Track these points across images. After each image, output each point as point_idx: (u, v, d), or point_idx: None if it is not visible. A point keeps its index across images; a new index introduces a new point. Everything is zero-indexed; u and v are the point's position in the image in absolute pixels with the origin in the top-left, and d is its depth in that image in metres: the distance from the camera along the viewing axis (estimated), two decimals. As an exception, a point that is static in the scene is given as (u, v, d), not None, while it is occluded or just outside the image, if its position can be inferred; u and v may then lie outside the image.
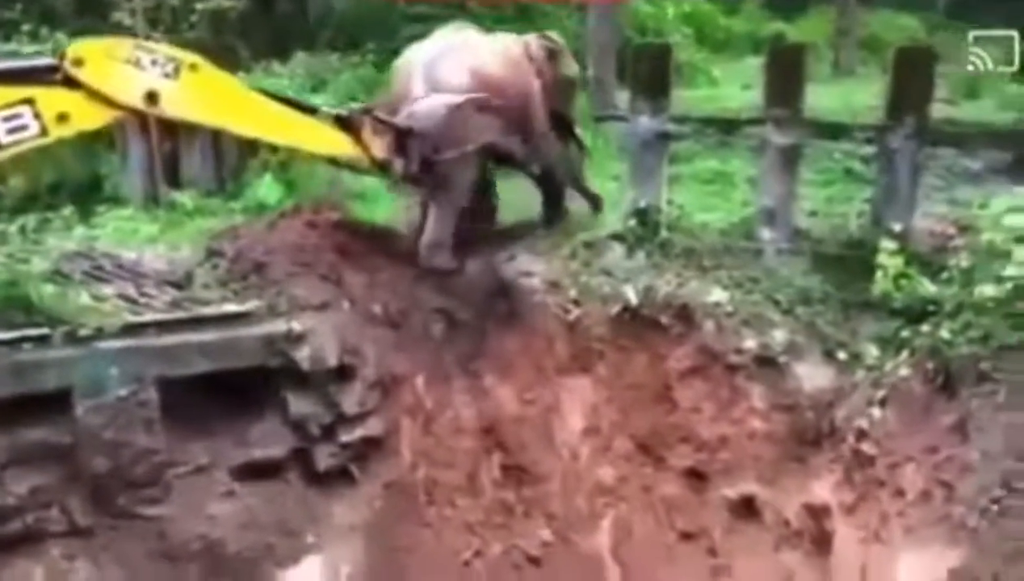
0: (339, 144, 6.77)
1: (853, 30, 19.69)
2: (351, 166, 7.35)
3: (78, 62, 5.58)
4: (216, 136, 8.96)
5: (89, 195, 8.56)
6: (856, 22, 19.92)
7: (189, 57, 5.97)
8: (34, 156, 8.74)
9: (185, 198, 8.47)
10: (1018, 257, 5.80)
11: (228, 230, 7.51)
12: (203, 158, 8.83)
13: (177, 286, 6.80)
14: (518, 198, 8.53)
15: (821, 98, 12.16)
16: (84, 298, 6.25)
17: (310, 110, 6.73)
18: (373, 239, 7.62)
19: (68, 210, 7.65)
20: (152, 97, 5.79)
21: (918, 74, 6.96)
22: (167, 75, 5.83)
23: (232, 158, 8.99)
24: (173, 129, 8.84)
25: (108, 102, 5.72)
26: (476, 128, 7.11)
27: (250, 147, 9.14)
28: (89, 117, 5.76)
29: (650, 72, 7.56)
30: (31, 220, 7.46)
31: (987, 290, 5.87)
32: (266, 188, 8.73)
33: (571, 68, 8.43)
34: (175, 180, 8.77)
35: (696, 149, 10.02)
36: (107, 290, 6.55)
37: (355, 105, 7.43)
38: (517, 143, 7.55)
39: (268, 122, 6.42)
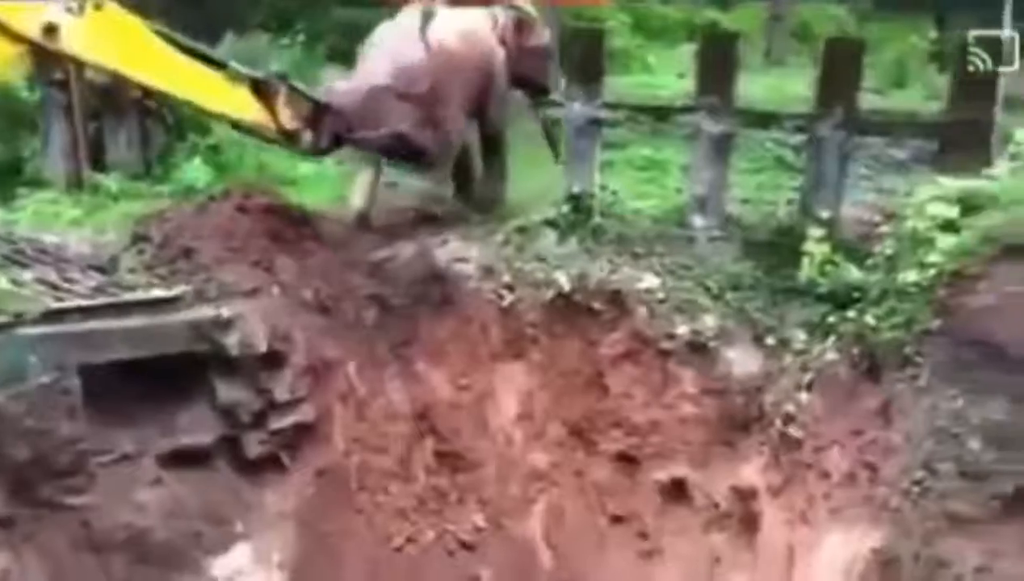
0: (246, 107, 6.59)
1: (784, 19, 20.01)
2: (254, 132, 7.16)
3: None
4: (143, 117, 8.80)
5: (10, 178, 8.33)
6: (787, 11, 20.24)
7: None
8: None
9: (110, 181, 8.29)
10: (940, 244, 5.92)
11: (155, 214, 7.33)
12: (129, 140, 8.65)
13: (102, 271, 6.65)
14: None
15: (753, 86, 12.32)
16: (2, 283, 6.06)
17: (222, 66, 6.51)
18: (305, 224, 7.51)
19: (-15, 192, 7.45)
20: (51, 30, 5.55)
21: (847, 65, 7.08)
22: (70, 10, 5.61)
23: (159, 140, 8.81)
24: (98, 110, 8.66)
25: (7, 34, 5.49)
26: (392, 114, 7.06)
27: (178, 129, 9.00)
28: None
29: (583, 58, 7.59)
30: (-54, 205, 7.25)
31: (910, 276, 5.97)
32: (195, 171, 8.58)
33: (541, 37, 8.48)
34: (100, 163, 8.56)
35: (630, 136, 10.10)
36: (27, 275, 6.35)
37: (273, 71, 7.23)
38: (430, 139, 7.43)
39: (171, 73, 6.16)
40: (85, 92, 8.40)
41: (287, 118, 6.73)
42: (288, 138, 6.89)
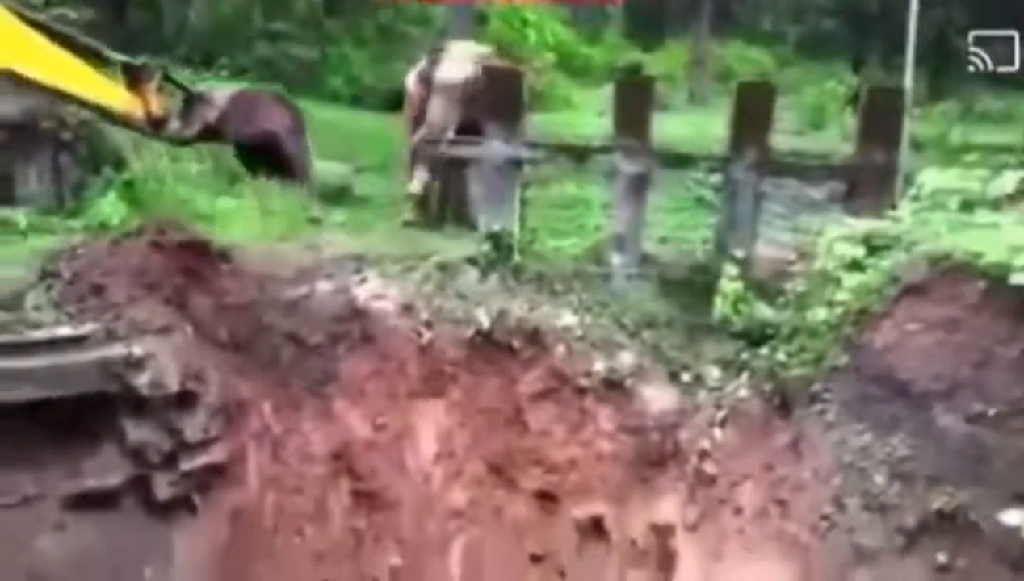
0: (114, 95, 6.53)
1: (707, 62, 20.56)
2: (121, 120, 7.06)
3: None
4: (56, 151, 8.61)
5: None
6: (709, 54, 20.81)
7: None
8: None
9: (19, 215, 8.06)
10: (847, 283, 6.08)
11: (66, 250, 7.15)
12: (40, 174, 8.44)
13: (7, 308, 6.44)
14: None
15: (676, 125, 12.57)
16: (-99, 320, 5.87)
17: (94, 53, 6.43)
18: (222, 260, 7.40)
19: None
20: None
21: (758, 108, 7.27)
22: None
23: (72, 175, 8.62)
24: (9, 143, 8.46)
25: None
26: (265, 115, 7.21)
27: (92, 163, 8.83)
28: None
29: (503, 97, 7.65)
30: None
31: (820, 314, 6.14)
32: (109, 206, 8.39)
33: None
34: (9, 197, 8.35)
35: (553, 173, 10.21)
36: (-72, 312, 6.16)
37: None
38: (298, 147, 7.87)
39: (42, 61, 6.08)
40: (-5, 125, 8.21)
41: (156, 105, 6.67)
42: (154, 125, 6.81)
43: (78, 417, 6.05)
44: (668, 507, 6.57)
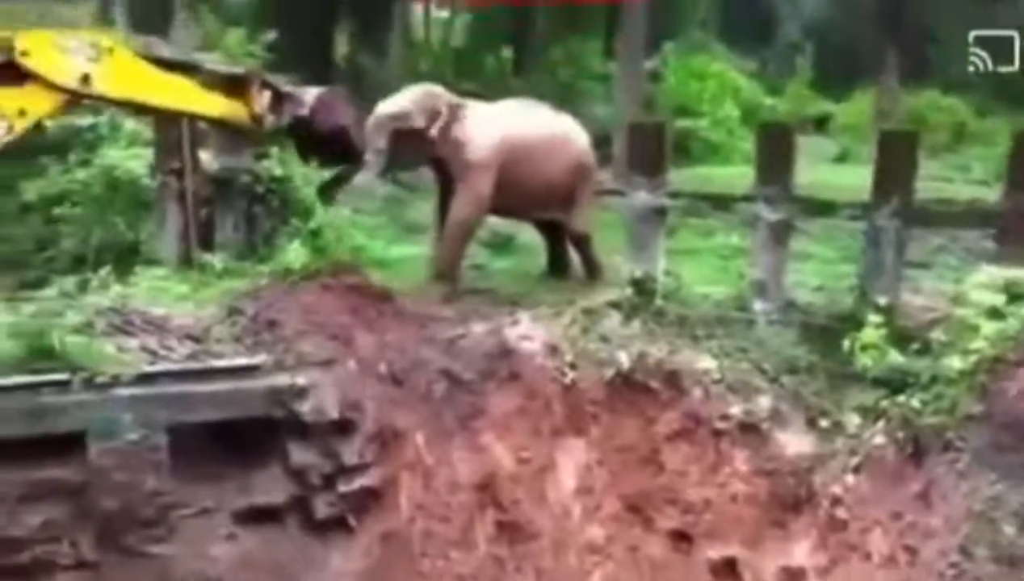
0: (220, 105, 7.52)
1: (894, 111, 20.00)
2: (228, 124, 8.00)
3: (25, 53, 6.41)
4: (251, 203, 9.57)
5: (129, 257, 9.15)
6: (896, 104, 20.23)
7: (106, 40, 6.75)
8: (86, 220, 9.55)
9: (216, 261, 9.00)
10: (985, 330, 6.00)
11: (251, 291, 7.98)
12: (236, 224, 9.39)
13: (197, 341, 7.27)
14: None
15: (848, 177, 12.42)
16: (108, 349, 6.74)
17: (194, 68, 7.34)
18: (385, 302, 8.02)
19: (105, 270, 8.24)
20: (86, 79, 6.45)
21: (903, 155, 7.25)
22: (91, 59, 6.51)
23: (264, 224, 9.54)
24: (210, 196, 9.49)
25: (52, 88, 6.49)
26: (341, 111, 7.90)
27: (282, 214, 9.74)
28: (40, 106, 6.63)
29: (647, 148, 7.95)
30: (70, 281, 8.05)
31: (955, 362, 6.07)
32: (293, 253, 9.20)
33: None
34: (209, 244, 9.33)
35: (717, 225, 10.38)
36: (132, 342, 7.02)
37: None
38: (362, 139, 8.60)
39: (170, 94, 7.23)
40: (199, 180, 9.25)
41: (257, 105, 7.57)
42: (256, 122, 7.72)
43: (249, 439, 6.76)
44: (801, 551, 6.58)
